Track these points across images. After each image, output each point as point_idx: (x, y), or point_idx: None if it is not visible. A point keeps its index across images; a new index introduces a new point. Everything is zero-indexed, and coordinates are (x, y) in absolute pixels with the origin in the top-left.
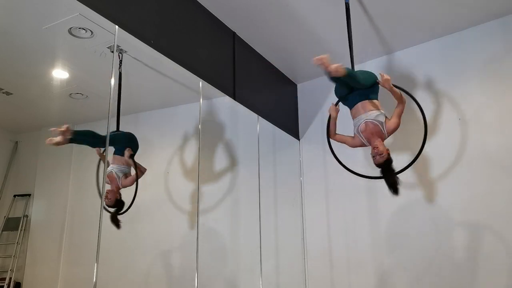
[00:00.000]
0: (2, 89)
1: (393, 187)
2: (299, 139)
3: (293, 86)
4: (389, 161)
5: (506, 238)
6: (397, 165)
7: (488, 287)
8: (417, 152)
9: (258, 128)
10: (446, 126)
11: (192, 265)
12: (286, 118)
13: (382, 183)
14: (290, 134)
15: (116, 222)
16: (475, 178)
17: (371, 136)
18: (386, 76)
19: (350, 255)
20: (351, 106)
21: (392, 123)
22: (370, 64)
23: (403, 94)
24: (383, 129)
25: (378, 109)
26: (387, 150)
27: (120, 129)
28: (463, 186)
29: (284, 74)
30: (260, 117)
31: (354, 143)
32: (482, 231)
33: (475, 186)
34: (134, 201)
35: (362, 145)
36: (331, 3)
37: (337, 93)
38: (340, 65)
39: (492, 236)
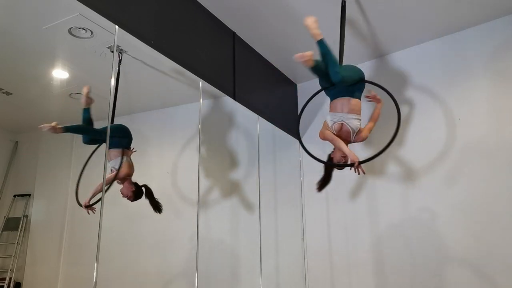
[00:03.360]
0: (2, 89)
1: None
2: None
3: (293, 86)
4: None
5: (506, 237)
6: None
7: (489, 286)
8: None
9: (258, 128)
10: (446, 126)
11: (192, 265)
12: (286, 118)
13: (382, 183)
14: (290, 134)
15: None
16: (475, 178)
17: (340, 138)
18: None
19: (350, 255)
20: (332, 98)
21: (363, 135)
22: (369, 65)
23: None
24: (353, 136)
25: (357, 113)
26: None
27: None
28: (463, 186)
29: (284, 74)
30: (260, 117)
31: (324, 136)
32: (482, 230)
33: (475, 186)
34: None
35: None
36: (331, 3)
37: (320, 83)
38: (309, 53)
39: (493, 236)
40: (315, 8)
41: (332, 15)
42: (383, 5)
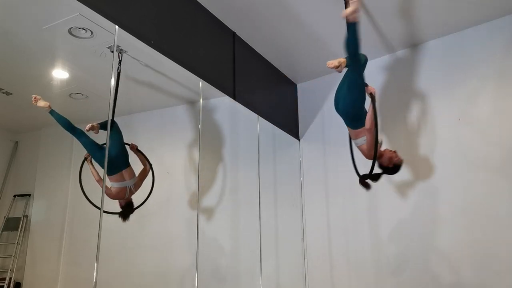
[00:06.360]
0: (2, 89)
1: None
2: (299, 139)
3: (293, 86)
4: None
5: (506, 238)
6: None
7: (489, 286)
8: None
9: (258, 128)
10: (446, 126)
11: (192, 265)
12: (286, 118)
13: (382, 183)
14: (290, 134)
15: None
16: (475, 178)
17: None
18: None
19: (350, 255)
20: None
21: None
22: (370, 64)
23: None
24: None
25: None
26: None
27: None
28: (463, 186)
29: (284, 74)
30: (260, 117)
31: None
32: (482, 231)
33: (475, 187)
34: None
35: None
36: (331, 3)
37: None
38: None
39: (493, 236)
40: (315, 8)
41: (332, 15)
42: (384, 5)
